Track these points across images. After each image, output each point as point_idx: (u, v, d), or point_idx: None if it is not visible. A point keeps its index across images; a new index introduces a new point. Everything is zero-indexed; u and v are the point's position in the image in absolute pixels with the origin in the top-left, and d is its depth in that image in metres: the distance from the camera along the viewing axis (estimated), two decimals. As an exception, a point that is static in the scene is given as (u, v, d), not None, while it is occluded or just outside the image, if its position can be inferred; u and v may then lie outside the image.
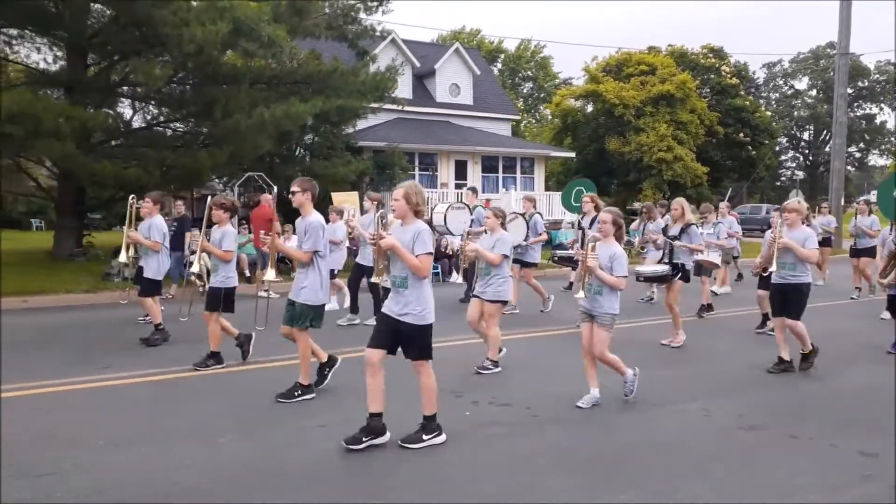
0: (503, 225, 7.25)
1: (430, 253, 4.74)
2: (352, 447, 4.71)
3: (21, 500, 3.93)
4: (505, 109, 30.88)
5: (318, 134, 20.42)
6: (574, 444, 5.06)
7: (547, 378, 6.96)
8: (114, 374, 6.78)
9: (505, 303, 7.17)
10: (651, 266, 9.00)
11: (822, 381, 7.06)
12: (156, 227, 8.24)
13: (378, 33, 20.25)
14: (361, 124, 22.12)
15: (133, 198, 8.55)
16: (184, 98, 17.48)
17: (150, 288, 8.28)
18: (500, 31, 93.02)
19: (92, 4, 15.60)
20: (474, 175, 26.57)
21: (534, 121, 55.47)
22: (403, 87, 24.94)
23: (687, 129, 33.71)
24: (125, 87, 17.58)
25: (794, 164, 63.48)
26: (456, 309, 10.59)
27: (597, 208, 9.83)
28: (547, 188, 29.42)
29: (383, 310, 4.90)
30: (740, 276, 15.95)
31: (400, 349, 4.85)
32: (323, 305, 6.02)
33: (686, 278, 8.65)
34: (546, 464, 4.67)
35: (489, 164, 27.24)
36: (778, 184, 57.70)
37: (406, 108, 24.75)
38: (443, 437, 4.93)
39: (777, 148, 52.28)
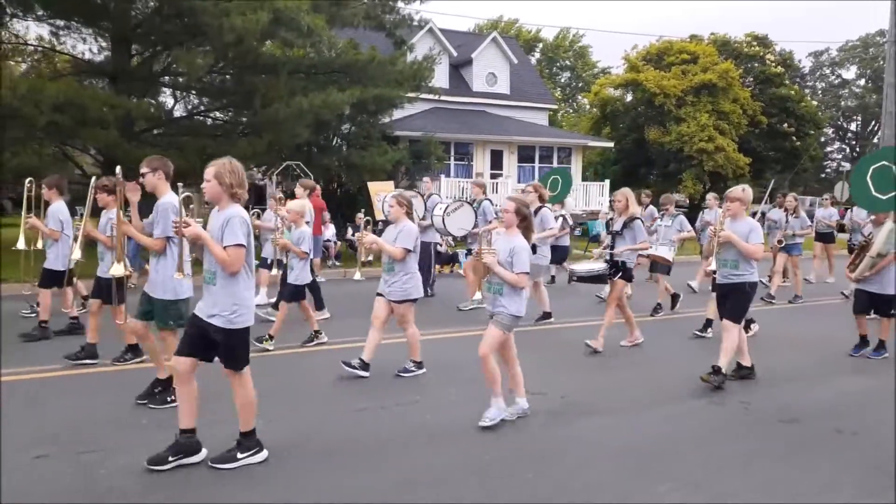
0: (409, 214, 6.40)
1: (241, 245, 4.04)
2: (155, 468, 4.13)
3: (64, 477, 4.05)
4: (542, 98, 30.61)
5: (355, 123, 20.51)
6: (609, 435, 5.01)
7: (583, 368, 6.90)
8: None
9: (414, 301, 6.36)
10: (586, 264, 8.24)
11: (864, 374, 6.88)
12: (53, 214, 7.59)
13: (416, 22, 20.22)
14: (398, 114, 22.14)
15: (30, 181, 7.83)
16: (224, 87, 17.71)
17: (48, 279, 7.67)
18: (539, 20, 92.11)
19: (136, -5, 15.88)
20: (510, 165, 26.43)
21: (571, 110, 54.90)
22: (440, 77, 24.87)
23: (729, 119, 32.98)
24: (167, 77, 17.88)
25: (839, 156, 61.70)
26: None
27: (541, 199, 9.23)
28: (584, 178, 29.13)
29: (195, 310, 4.26)
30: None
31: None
32: (185, 300, 5.27)
33: (627, 277, 7.74)
34: (581, 454, 4.63)
35: (525, 154, 27.05)
36: (822, 175, 56.17)
37: (442, 98, 24.70)
38: (262, 455, 4.33)
39: (822, 139, 50.84)
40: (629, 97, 36.20)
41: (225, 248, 4.05)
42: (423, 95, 21.69)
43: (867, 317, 7.84)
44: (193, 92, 18.43)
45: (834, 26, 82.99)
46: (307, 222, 8.12)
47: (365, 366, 6.29)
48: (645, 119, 34.54)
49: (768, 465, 4.48)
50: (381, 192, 15.07)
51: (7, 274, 11.38)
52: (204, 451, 4.29)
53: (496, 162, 26.36)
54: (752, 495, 4.03)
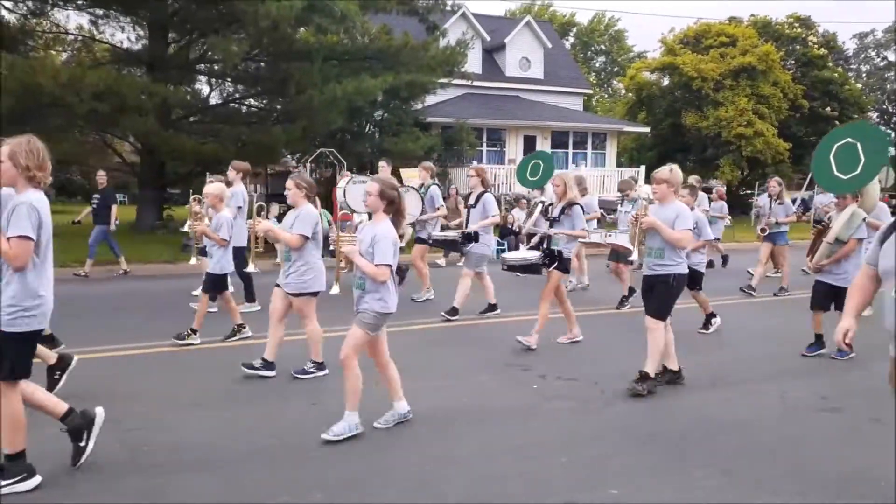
0: (308, 198, 5.71)
1: (26, 236, 3.49)
2: None
3: (111, 452, 4.16)
4: (576, 83, 30.24)
5: (388, 110, 20.55)
6: (642, 422, 4.97)
7: (616, 355, 6.85)
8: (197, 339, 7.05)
9: (314, 294, 5.68)
10: (518, 252, 7.65)
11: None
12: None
13: (448, 7, 20.14)
14: (430, 100, 22.11)
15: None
16: (259, 74, 17.87)
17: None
18: (573, 4, 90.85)
19: (172, -18, 16.09)
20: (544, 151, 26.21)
21: (606, 95, 54.19)
22: (473, 62, 24.73)
23: (769, 103, 32.18)
24: (203, 65, 18.11)
25: (885, 140, 59.85)
26: (515, 286, 10.48)
27: (484, 184, 8.50)
28: (619, 164, 28.76)
29: None
30: (710, 264, 13.80)
31: None
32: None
33: (564, 267, 6.94)
34: (613, 440, 4.61)
35: (559, 140, 26.79)
36: (867, 161, 54.57)
37: (475, 83, 24.58)
38: (32, 482, 3.68)
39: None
40: (666, 81, 35.54)
41: (8, 238, 3.50)
42: (456, 81, 21.60)
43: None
44: (229, 79, 18.65)
45: (880, 7, 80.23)
46: (238, 207, 7.96)
47: (268, 365, 5.75)
48: (682, 103, 33.89)
49: (802, 453, 4.40)
50: (414, 179, 15.13)
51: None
52: (38, 477, 3.74)
53: (529, 148, 26.16)
54: (784, 481, 3.97)
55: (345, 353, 4.42)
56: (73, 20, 40.14)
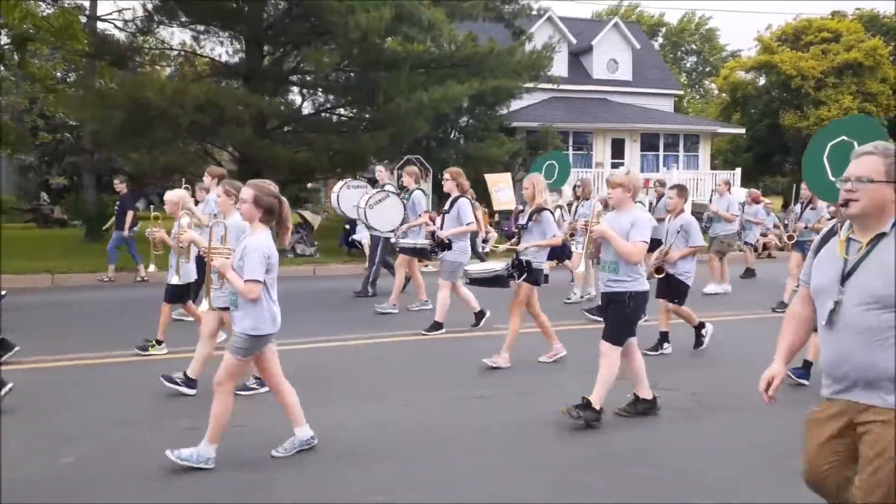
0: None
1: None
2: None
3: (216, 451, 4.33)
4: (666, 84, 29.41)
5: (473, 116, 20.65)
6: (739, 432, 4.76)
7: (718, 365, 6.58)
8: (290, 340, 7.28)
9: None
10: (482, 264, 7.11)
11: None
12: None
13: (535, 12, 20.06)
14: (515, 104, 22.04)
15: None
16: (348, 84, 18.34)
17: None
18: (662, 4, 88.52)
19: (267, -2, 16.76)
20: (632, 154, 25.61)
21: (698, 96, 52.45)
22: (559, 65, 24.48)
23: (877, 101, 30.28)
24: (296, 76, 18.75)
25: None
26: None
27: (460, 188, 7.76)
28: (713, 167, 27.74)
29: None
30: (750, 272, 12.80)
31: None
32: None
33: (534, 279, 6.23)
34: (710, 449, 4.44)
35: (649, 142, 26.12)
36: None
37: (561, 87, 24.34)
38: None
39: None
40: (762, 80, 34.09)
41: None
42: (542, 85, 21.46)
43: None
44: (320, 89, 19.22)
45: None
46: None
47: (189, 382, 5.40)
48: (780, 103, 32.38)
49: None
50: (499, 184, 15.13)
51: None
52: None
53: (617, 151, 25.65)
54: None
55: (217, 377, 4.05)
56: (177, 37, 42.53)
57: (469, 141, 20.38)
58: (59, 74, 23.17)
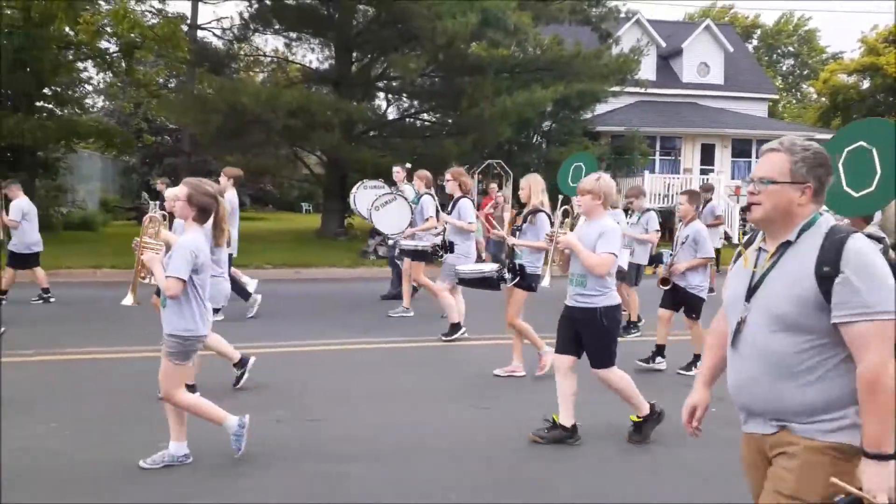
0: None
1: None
2: None
3: (293, 441, 4.51)
4: (761, 88, 28.24)
5: (557, 120, 20.50)
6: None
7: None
8: (372, 339, 7.46)
9: (215, 311, 5.00)
10: (472, 265, 6.75)
11: None
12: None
13: (622, 15, 19.73)
14: (601, 108, 21.73)
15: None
16: (433, 90, 18.59)
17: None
18: (757, 5, 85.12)
19: (357, 5, 17.19)
20: (723, 160, 24.72)
21: (794, 101, 50.10)
22: (647, 69, 23.95)
23: None
24: (382, 82, 19.16)
25: None
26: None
27: (462, 188, 7.41)
28: (808, 175, 26.41)
29: None
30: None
31: None
32: None
33: (527, 285, 5.82)
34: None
35: (741, 148, 25.13)
36: None
37: (649, 91, 23.80)
38: None
39: None
40: (866, 84, 32.29)
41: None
42: (629, 89, 21.07)
43: None
44: (405, 95, 19.57)
45: None
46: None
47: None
48: (885, 108, 30.56)
49: None
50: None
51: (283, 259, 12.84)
52: None
53: (707, 157, 24.81)
54: None
55: (163, 392, 3.93)
56: (270, 44, 44.18)
57: (552, 145, 20.23)
58: (161, 80, 24.51)
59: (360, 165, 16.47)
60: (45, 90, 18.82)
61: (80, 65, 20.11)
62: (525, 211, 6.00)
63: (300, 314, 8.99)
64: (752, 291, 2.13)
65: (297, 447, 4.40)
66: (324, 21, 17.28)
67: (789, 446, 2.05)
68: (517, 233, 5.99)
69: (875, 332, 1.91)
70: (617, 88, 19.45)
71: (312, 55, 20.33)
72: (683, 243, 6.30)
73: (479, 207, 14.98)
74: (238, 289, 8.34)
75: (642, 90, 22.47)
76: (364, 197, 9.27)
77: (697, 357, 6.17)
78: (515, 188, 11.60)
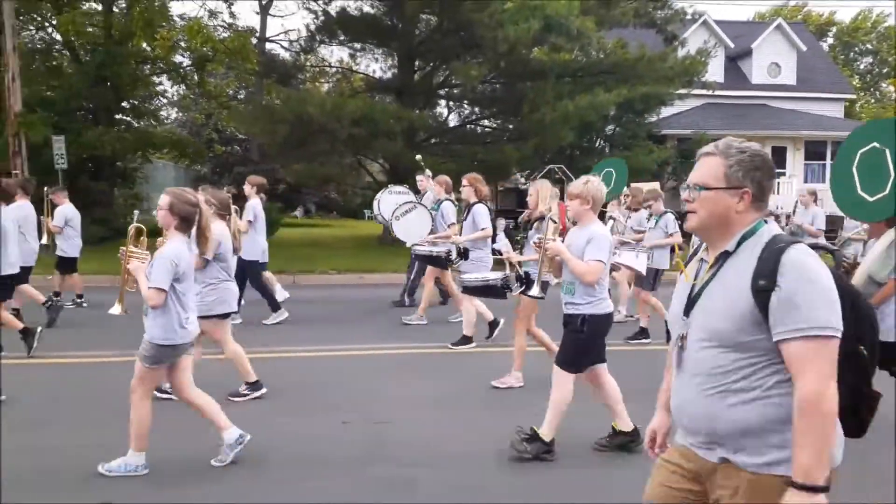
0: (220, 215, 5.42)
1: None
2: None
3: (357, 443, 4.59)
4: (836, 88, 27.11)
5: (620, 124, 20.20)
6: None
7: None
8: (434, 344, 7.50)
9: (222, 317, 5.32)
10: (477, 273, 6.62)
11: None
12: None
13: (689, 16, 19.32)
14: (666, 112, 21.29)
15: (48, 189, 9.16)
16: (494, 96, 18.61)
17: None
18: (832, 2, 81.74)
19: (420, 15, 17.40)
20: (795, 163, 23.84)
21: (873, 100, 47.85)
22: (714, 70, 23.34)
23: None
24: (444, 90, 19.31)
25: None
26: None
27: (478, 194, 7.28)
28: (889, 178, 25.19)
29: None
30: None
31: None
32: None
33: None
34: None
35: (815, 151, 24.17)
36: None
37: (717, 93, 23.18)
38: None
39: None
40: (952, 80, 30.48)
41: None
42: (695, 91, 20.55)
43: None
44: (466, 102, 19.66)
45: None
46: (249, 221, 7.97)
47: (254, 386, 5.49)
48: (974, 105, 28.84)
49: None
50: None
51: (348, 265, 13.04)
52: None
53: (779, 160, 23.94)
54: None
55: (132, 385, 3.99)
56: (335, 54, 45.19)
57: (615, 149, 19.94)
58: (231, 92, 25.39)
59: (421, 172, 16.62)
60: (124, 103, 19.78)
61: (155, 78, 21.06)
62: (532, 217, 5.86)
63: (365, 318, 9.15)
64: (690, 305, 1.99)
65: (363, 450, 4.49)
66: (387, 31, 17.56)
67: (731, 481, 1.89)
68: (524, 240, 5.90)
69: (814, 351, 1.74)
70: (683, 91, 19.02)
71: (376, 65, 20.81)
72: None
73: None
74: (268, 295, 8.55)
75: (709, 92, 21.91)
76: (388, 202, 9.22)
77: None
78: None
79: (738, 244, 1.92)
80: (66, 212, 9.10)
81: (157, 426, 4.07)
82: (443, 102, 20.76)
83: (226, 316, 5.41)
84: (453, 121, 21.15)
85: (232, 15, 20.44)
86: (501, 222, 14.87)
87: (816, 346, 1.75)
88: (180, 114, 30.58)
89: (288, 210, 22.47)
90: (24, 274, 7.37)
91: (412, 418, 5.15)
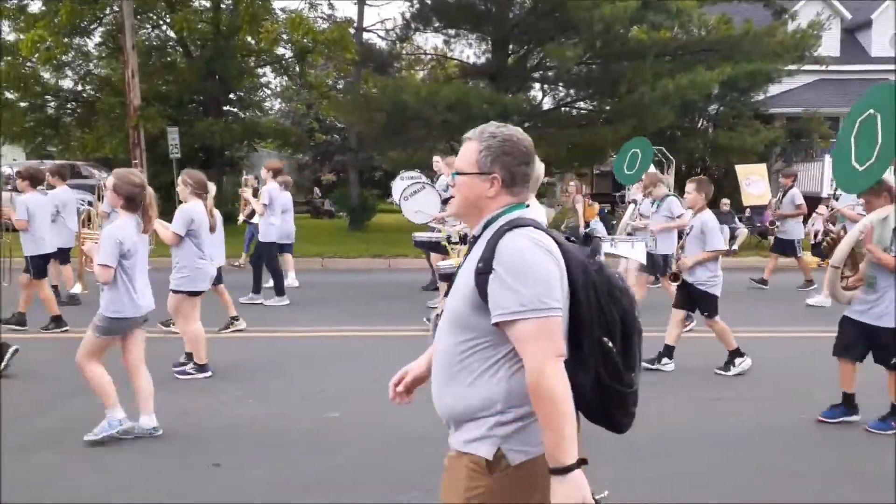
0: (197, 194, 5.60)
1: None
2: None
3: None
4: (970, 58, 24.81)
5: (724, 103, 19.37)
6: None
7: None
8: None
9: (189, 294, 5.45)
10: (451, 260, 6.55)
11: None
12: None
13: (801, -13, 18.21)
14: (774, 89, 20.20)
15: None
16: (590, 77, 18.26)
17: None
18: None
19: (513, -3, 17.32)
20: (920, 141, 22.06)
21: None
22: (829, 44, 21.89)
23: None
24: (538, 73, 19.12)
25: None
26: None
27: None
28: None
29: None
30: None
31: None
32: None
33: None
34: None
35: (943, 128, 22.29)
36: None
37: (831, 68, 21.74)
38: None
39: None
40: None
41: None
42: (807, 67, 19.40)
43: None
44: (561, 84, 19.38)
45: None
46: (265, 204, 8.27)
47: (201, 367, 5.58)
48: None
49: None
50: (751, 176, 14.00)
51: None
52: None
53: (900, 139, 22.26)
54: None
55: (78, 356, 4.20)
56: (430, 41, 45.60)
57: (718, 130, 19.14)
58: (330, 82, 26.17)
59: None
60: (231, 95, 20.81)
61: (260, 71, 22.00)
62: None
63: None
64: (450, 288, 2.00)
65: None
66: (481, 16, 17.55)
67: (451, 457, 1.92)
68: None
69: (531, 332, 1.74)
70: (793, 67, 18.00)
71: (469, 50, 20.80)
72: (687, 234, 6.02)
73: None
74: (278, 278, 8.79)
75: (823, 68, 20.60)
76: (398, 186, 9.26)
77: (736, 353, 5.84)
78: (677, 175, 11.23)
79: (484, 228, 1.93)
80: (60, 196, 9.21)
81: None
82: (537, 85, 20.57)
83: (195, 294, 5.54)
84: (547, 104, 20.92)
85: (331, 6, 20.89)
86: (595, 206, 14.58)
87: (532, 328, 1.74)
88: (283, 104, 31.78)
89: (385, 196, 22.97)
90: (62, 254, 7.93)
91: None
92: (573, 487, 1.71)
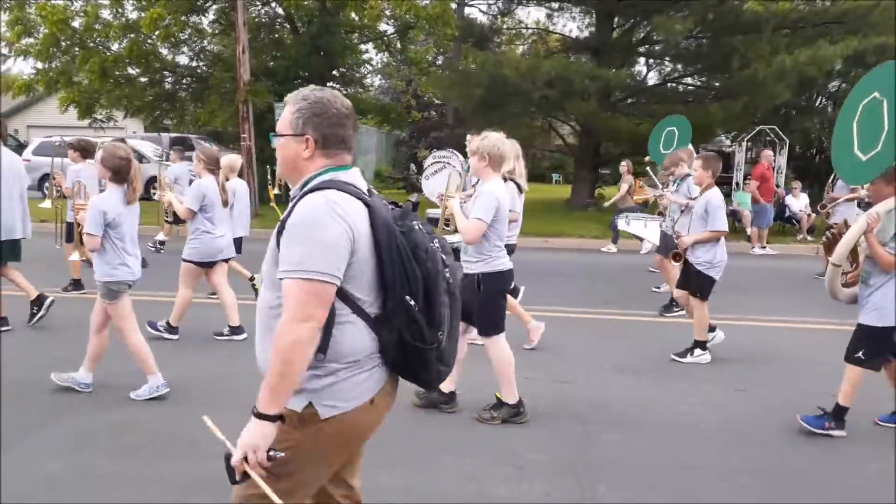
0: (210, 170, 5.83)
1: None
2: None
3: (545, 400, 4.64)
4: None
5: (848, 80, 17.97)
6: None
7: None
8: (612, 310, 7.43)
9: (195, 264, 5.75)
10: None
11: None
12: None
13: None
14: (907, 65, 18.58)
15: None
16: (699, 52, 17.43)
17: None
18: None
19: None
20: None
21: None
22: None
23: None
24: (643, 47, 18.41)
25: None
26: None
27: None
28: None
29: None
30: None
31: None
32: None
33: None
34: None
35: None
36: None
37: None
38: None
39: None
40: None
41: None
42: (949, 39, 17.69)
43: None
44: (668, 59, 18.60)
45: None
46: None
47: (171, 329, 5.87)
48: None
49: None
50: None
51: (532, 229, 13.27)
52: None
53: None
54: None
55: (115, 326, 4.47)
56: (532, 15, 44.80)
57: (839, 108, 17.86)
58: (430, 58, 26.24)
59: (615, 134, 16.11)
60: (335, 72, 21.24)
61: (362, 47, 22.33)
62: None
63: (548, 282, 9.20)
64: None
65: (549, 405, 4.57)
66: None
67: None
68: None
69: (290, 292, 1.83)
70: (929, 40, 16.46)
71: (573, 24, 20.31)
72: (682, 211, 5.90)
73: (745, 178, 13.88)
74: None
75: (963, 41, 18.74)
76: (426, 165, 8.99)
77: (697, 344, 5.60)
78: (791, 157, 10.55)
79: (301, 189, 1.98)
80: (176, 171, 10.22)
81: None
82: (641, 60, 19.84)
83: (204, 265, 5.84)
84: (652, 79, 20.16)
85: (433, -19, 20.93)
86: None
87: (293, 287, 1.82)
88: (383, 81, 32.20)
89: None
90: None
91: (598, 381, 5.16)
92: (259, 432, 1.83)
